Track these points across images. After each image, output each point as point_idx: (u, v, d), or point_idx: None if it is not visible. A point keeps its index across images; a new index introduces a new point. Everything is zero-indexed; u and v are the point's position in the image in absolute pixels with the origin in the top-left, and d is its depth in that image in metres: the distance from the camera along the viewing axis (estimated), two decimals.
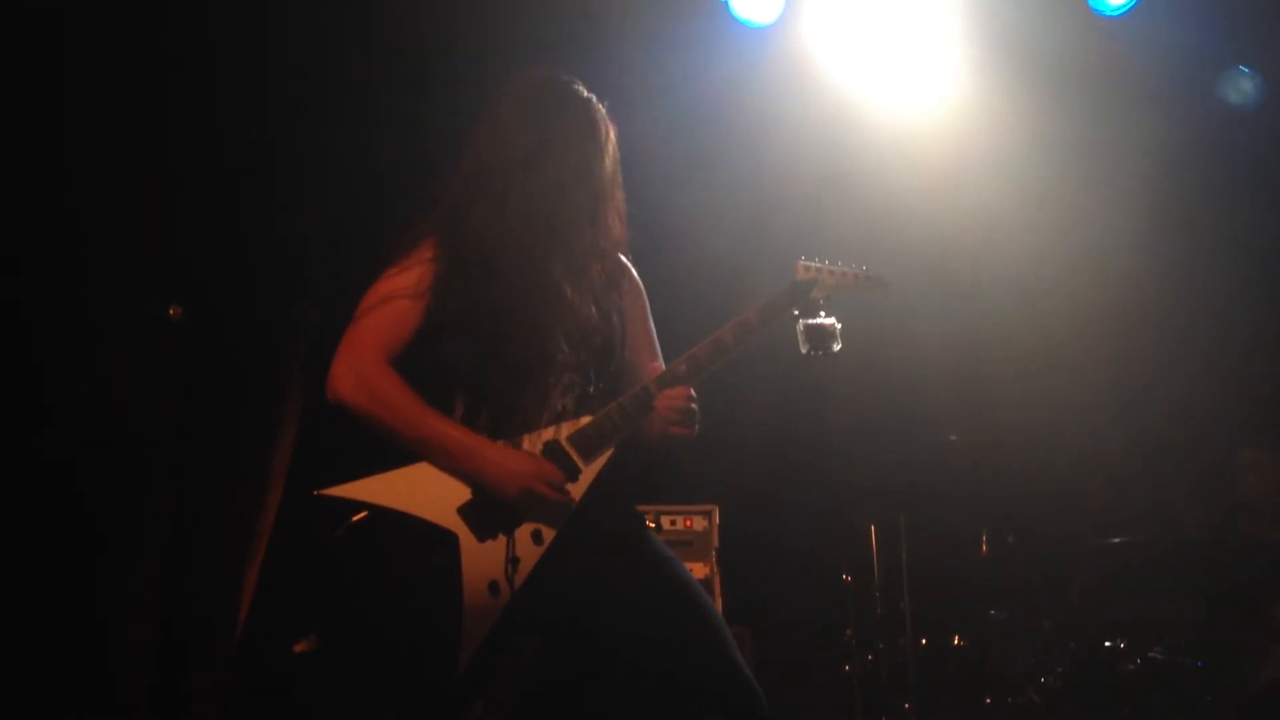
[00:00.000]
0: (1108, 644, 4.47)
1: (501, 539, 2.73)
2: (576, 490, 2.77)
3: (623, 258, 3.03)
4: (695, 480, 4.92)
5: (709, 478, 5.05)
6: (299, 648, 3.19)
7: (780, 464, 5.41)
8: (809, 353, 2.96)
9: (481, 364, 2.80)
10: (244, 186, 4.39)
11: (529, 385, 2.80)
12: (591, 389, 2.86)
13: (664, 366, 2.94)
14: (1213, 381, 5.54)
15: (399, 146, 4.54)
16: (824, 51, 5.27)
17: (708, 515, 4.66)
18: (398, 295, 2.80)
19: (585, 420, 2.83)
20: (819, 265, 3.00)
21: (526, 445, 2.78)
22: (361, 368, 2.76)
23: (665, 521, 4.60)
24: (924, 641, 4.83)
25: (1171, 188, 5.46)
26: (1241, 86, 5.42)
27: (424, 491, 2.74)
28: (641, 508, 4.57)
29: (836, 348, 2.97)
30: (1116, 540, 4.55)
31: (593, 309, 2.89)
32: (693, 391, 2.83)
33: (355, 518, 2.74)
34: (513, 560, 2.71)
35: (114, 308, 3.15)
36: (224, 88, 4.28)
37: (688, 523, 4.62)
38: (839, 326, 2.96)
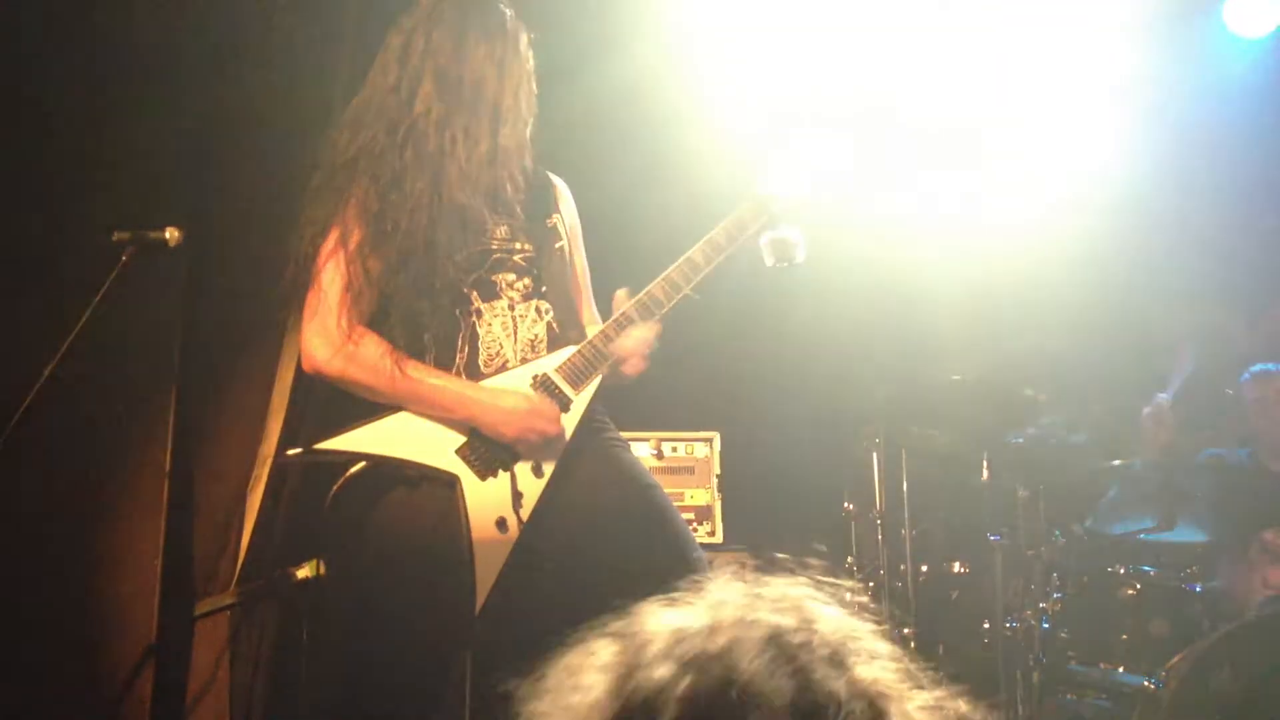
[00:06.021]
0: (1108, 569, 4.49)
1: (503, 476, 2.73)
2: (570, 421, 2.78)
3: (551, 175, 3.02)
4: (697, 407, 4.91)
5: (710, 404, 5.04)
6: (301, 573, 3.18)
7: (782, 391, 5.40)
8: (774, 265, 3.02)
9: (437, 307, 2.76)
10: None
11: (492, 319, 2.79)
12: (552, 313, 2.85)
13: (588, 301, 3.02)
14: (1217, 315, 5.52)
15: None
16: None
17: (709, 442, 4.64)
18: (351, 255, 2.72)
19: (569, 350, 2.82)
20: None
21: (513, 380, 2.77)
22: (331, 332, 2.69)
23: (667, 448, 4.59)
24: (924, 568, 4.85)
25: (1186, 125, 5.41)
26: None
27: (418, 436, 2.71)
28: (644, 434, 4.61)
29: (800, 258, 3.02)
30: (1118, 463, 4.56)
31: (515, 235, 2.87)
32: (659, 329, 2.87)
33: (352, 470, 2.72)
34: (517, 495, 2.72)
35: (111, 233, 3.10)
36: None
37: (689, 449, 4.62)
38: (801, 237, 3.01)
